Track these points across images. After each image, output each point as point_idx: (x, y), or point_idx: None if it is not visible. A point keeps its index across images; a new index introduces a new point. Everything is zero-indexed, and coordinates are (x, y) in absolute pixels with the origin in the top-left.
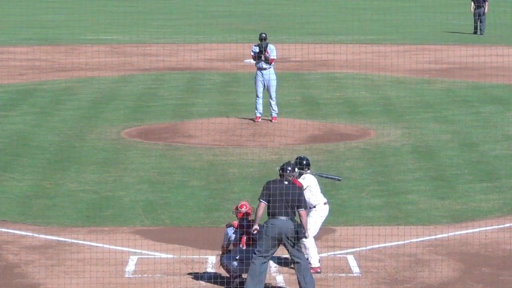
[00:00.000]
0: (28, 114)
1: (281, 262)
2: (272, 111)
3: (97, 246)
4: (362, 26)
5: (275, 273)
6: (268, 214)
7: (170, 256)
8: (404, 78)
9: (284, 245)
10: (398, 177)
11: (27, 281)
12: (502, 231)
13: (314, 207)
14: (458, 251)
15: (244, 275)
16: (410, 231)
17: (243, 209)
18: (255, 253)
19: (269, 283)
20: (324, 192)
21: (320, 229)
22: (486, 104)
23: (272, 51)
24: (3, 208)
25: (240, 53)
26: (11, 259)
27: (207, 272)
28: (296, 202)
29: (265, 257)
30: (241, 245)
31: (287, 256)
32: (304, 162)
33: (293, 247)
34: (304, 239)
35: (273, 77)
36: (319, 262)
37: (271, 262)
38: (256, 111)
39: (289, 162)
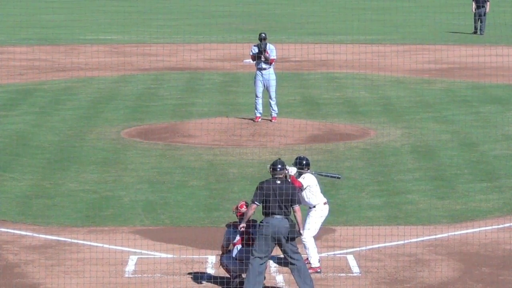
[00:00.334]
0: (28, 114)
1: (281, 262)
2: (272, 111)
3: (97, 246)
4: (362, 26)
5: (275, 273)
6: (263, 213)
7: (170, 256)
8: (404, 78)
9: (280, 245)
10: (398, 177)
11: (27, 281)
12: (502, 231)
13: (314, 207)
14: (458, 251)
15: (244, 275)
16: (410, 231)
17: (243, 209)
18: (252, 254)
19: (269, 283)
20: (324, 192)
21: (320, 229)
22: (486, 104)
23: (272, 51)
24: (3, 208)
25: (240, 53)
26: (11, 259)
27: (207, 272)
28: (290, 200)
29: (262, 257)
30: (239, 245)
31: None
32: (304, 162)
33: (288, 247)
34: (304, 239)
35: (272, 77)
36: (319, 262)
37: (270, 262)
38: (256, 111)
39: (278, 159)
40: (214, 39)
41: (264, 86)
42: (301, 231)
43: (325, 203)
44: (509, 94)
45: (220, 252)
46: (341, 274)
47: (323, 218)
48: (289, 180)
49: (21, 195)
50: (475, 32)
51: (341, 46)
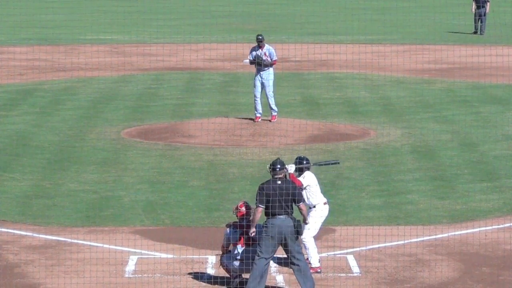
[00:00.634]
0: (28, 114)
1: (281, 262)
2: (271, 110)
3: (97, 246)
4: (362, 26)
5: (275, 273)
6: (267, 214)
7: (170, 256)
8: (404, 78)
9: (285, 245)
10: (398, 177)
11: (27, 281)
12: (502, 231)
13: (314, 207)
14: (458, 251)
15: (245, 275)
16: (410, 231)
17: (243, 209)
18: (258, 255)
19: (269, 283)
20: (324, 192)
21: (320, 229)
22: (486, 104)
23: (272, 54)
24: (3, 208)
25: (240, 53)
26: (11, 259)
27: (207, 272)
28: (292, 199)
29: (266, 258)
30: (240, 245)
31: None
32: (304, 162)
33: (293, 247)
34: (304, 239)
35: (270, 77)
36: (319, 262)
37: (271, 262)
38: (255, 112)
39: (278, 159)
40: (214, 39)
41: (262, 85)
42: (307, 221)
43: (325, 203)
44: (509, 94)
45: (221, 252)
46: (341, 274)
47: (323, 218)
48: (289, 179)
49: (21, 195)
50: (475, 32)
51: (341, 46)
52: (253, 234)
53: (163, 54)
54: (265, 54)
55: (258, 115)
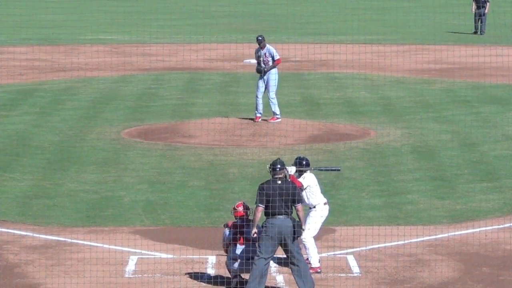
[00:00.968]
0: (28, 114)
1: (281, 262)
2: (272, 111)
3: (97, 246)
4: (362, 26)
5: (275, 273)
6: (266, 214)
7: (170, 256)
8: (404, 78)
9: (284, 245)
10: (398, 177)
11: (27, 281)
12: (502, 231)
13: (314, 207)
14: (458, 251)
15: (245, 275)
16: (410, 231)
17: (240, 209)
18: (257, 255)
19: (269, 283)
20: (324, 192)
21: (320, 229)
22: (486, 104)
23: (273, 53)
24: (3, 208)
25: (240, 53)
26: (11, 259)
27: (207, 272)
28: (291, 199)
29: (266, 258)
30: (238, 244)
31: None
32: (304, 162)
33: (293, 247)
34: (304, 239)
35: (272, 77)
36: (319, 262)
37: (271, 262)
38: (256, 112)
39: (278, 159)
40: (214, 39)
41: (264, 85)
42: (303, 227)
43: (325, 203)
44: (509, 94)
45: (223, 253)
46: (341, 274)
47: (323, 218)
48: (289, 180)
49: (21, 195)
50: (475, 32)
51: (341, 46)
52: (255, 235)
53: (163, 54)
54: (265, 55)
55: (258, 115)
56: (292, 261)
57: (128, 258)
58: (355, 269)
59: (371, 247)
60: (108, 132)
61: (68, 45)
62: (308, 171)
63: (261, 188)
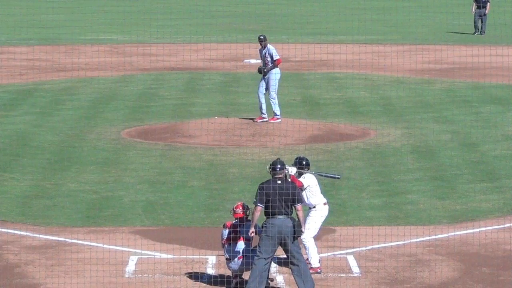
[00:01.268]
0: (28, 114)
1: (281, 262)
2: (273, 111)
3: (97, 246)
4: (362, 26)
5: (275, 273)
6: (266, 214)
7: (170, 256)
8: (404, 78)
9: (284, 245)
10: (398, 177)
11: (27, 281)
12: (502, 231)
13: (314, 207)
14: (458, 251)
15: (245, 275)
16: (410, 231)
17: (239, 210)
18: (257, 255)
19: (269, 283)
20: (324, 192)
21: (320, 229)
22: (486, 104)
23: (272, 53)
24: (3, 208)
25: (240, 53)
26: (11, 259)
27: (207, 272)
28: (292, 199)
29: (266, 258)
30: (241, 241)
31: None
32: (304, 162)
33: (293, 247)
34: (304, 239)
35: (273, 77)
36: (319, 262)
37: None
38: (260, 111)
39: (278, 159)
40: (215, 39)
41: (265, 85)
42: (303, 229)
43: (325, 204)
44: (509, 94)
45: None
46: (341, 274)
47: (323, 218)
48: (290, 180)
49: (21, 195)
50: (475, 33)
51: (341, 46)
52: (252, 235)
53: (163, 54)
54: (265, 55)
55: (261, 115)
56: (292, 261)
57: (128, 258)
58: (355, 269)
59: (371, 247)
60: (108, 132)
61: (69, 45)
62: (308, 172)
63: (261, 188)
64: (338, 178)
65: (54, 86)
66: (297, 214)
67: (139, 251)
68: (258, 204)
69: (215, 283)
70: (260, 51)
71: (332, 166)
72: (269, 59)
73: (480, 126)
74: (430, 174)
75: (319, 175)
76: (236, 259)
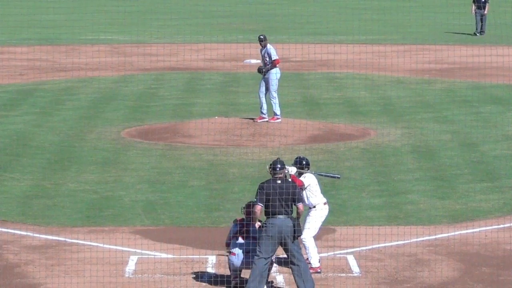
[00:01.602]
0: (28, 114)
1: (281, 262)
2: (273, 111)
3: (97, 246)
4: (362, 26)
5: (275, 273)
6: (266, 214)
7: (170, 256)
8: (404, 78)
9: (284, 245)
10: (398, 177)
11: (27, 281)
12: (502, 231)
13: (314, 207)
14: (458, 251)
15: (245, 275)
16: (410, 231)
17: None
18: (257, 255)
19: (269, 283)
20: (324, 192)
21: (320, 229)
22: (486, 104)
23: (270, 53)
24: (3, 208)
25: (240, 53)
26: (11, 259)
27: (207, 272)
28: (292, 198)
29: (266, 258)
30: (240, 238)
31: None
32: (304, 162)
33: (293, 247)
34: (304, 239)
35: (272, 77)
36: (319, 262)
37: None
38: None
39: (278, 159)
40: (215, 39)
41: (265, 85)
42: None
43: (325, 203)
44: (509, 94)
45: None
46: (341, 274)
47: (323, 218)
48: (290, 179)
49: (21, 195)
50: (476, 33)
51: (341, 46)
52: (259, 228)
53: (163, 54)
54: (265, 55)
55: (261, 115)
56: (292, 260)
57: (128, 258)
58: (355, 269)
59: (371, 247)
60: (108, 132)
61: (69, 45)
62: (308, 172)
63: (261, 187)
64: (338, 177)
65: (54, 86)
66: (297, 213)
67: (139, 251)
68: (258, 204)
69: (215, 283)
70: (260, 51)
71: (332, 166)
72: (267, 59)
73: (480, 126)
74: (430, 174)
75: (319, 175)
76: (240, 253)
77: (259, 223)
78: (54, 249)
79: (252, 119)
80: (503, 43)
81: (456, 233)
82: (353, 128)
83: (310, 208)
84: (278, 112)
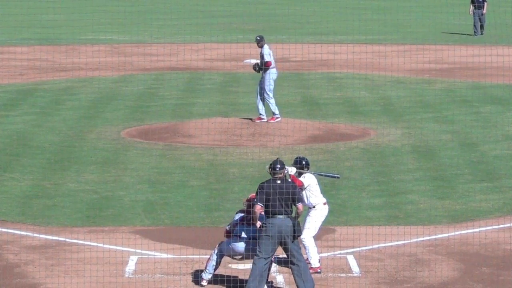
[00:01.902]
0: (28, 114)
1: (281, 262)
2: (271, 111)
3: (97, 246)
4: (362, 26)
5: (275, 273)
6: (266, 214)
7: (170, 256)
8: (404, 78)
9: (284, 245)
10: (398, 177)
11: (27, 281)
12: (502, 231)
13: (314, 207)
14: (458, 251)
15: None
16: (410, 231)
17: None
18: (257, 255)
19: (269, 283)
20: (324, 192)
21: (320, 229)
22: (486, 104)
23: (262, 55)
24: (3, 208)
25: (240, 53)
26: (11, 259)
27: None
28: (291, 198)
29: (266, 258)
30: (244, 224)
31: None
32: (304, 162)
33: (293, 247)
34: (304, 239)
35: (267, 77)
36: (319, 262)
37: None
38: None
39: (277, 159)
40: (215, 39)
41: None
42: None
43: (325, 203)
44: (509, 94)
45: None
46: (341, 274)
47: (323, 218)
48: (290, 180)
49: (21, 195)
50: (475, 33)
51: (341, 46)
52: (260, 227)
53: (163, 54)
54: (260, 55)
55: (259, 116)
56: (292, 260)
57: (128, 258)
58: (355, 269)
59: (371, 247)
60: (108, 132)
61: (69, 45)
62: (308, 172)
63: (261, 187)
64: (337, 177)
65: (54, 86)
66: (297, 213)
67: (139, 251)
68: (258, 203)
69: (215, 283)
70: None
71: (332, 166)
72: (261, 59)
73: (480, 126)
74: (430, 174)
75: (319, 175)
76: (243, 240)
77: (259, 223)
78: (54, 249)
79: (251, 119)
80: (503, 43)
81: (456, 233)
82: (353, 128)
83: (310, 208)
84: (277, 112)
